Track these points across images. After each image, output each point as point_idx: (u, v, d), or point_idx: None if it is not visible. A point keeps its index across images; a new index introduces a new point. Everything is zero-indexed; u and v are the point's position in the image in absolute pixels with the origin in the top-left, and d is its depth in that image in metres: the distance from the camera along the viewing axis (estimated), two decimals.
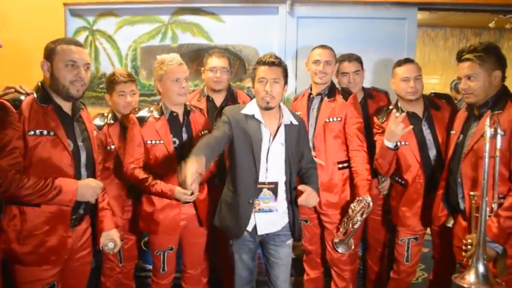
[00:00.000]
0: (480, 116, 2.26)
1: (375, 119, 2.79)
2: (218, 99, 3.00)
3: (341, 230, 2.68)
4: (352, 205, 2.59)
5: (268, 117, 2.35)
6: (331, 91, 2.80)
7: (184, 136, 2.54)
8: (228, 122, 2.31)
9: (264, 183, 2.31)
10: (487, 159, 1.99)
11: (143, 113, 2.51)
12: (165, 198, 2.48)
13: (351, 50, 3.02)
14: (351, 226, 2.58)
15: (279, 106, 2.39)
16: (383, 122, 2.71)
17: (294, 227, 2.42)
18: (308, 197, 2.29)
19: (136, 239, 2.96)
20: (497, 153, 2.05)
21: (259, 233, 2.37)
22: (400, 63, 2.67)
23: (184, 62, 2.51)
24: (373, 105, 3.01)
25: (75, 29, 3.48)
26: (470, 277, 1.94)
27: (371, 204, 2.54)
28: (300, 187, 2.31)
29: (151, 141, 2.47)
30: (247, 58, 3.44)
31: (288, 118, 2.37)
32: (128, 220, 2.83)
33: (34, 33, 3.33)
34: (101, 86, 3.48)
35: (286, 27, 3.38)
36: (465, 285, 1.93)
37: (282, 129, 2.35)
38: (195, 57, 3.45)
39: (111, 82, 2.72)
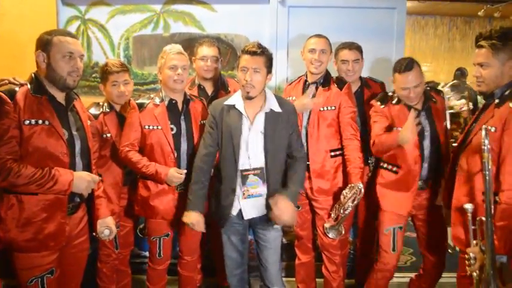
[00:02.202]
0: (487, 107, 2.23)
1: (375, 103, 2.78)
2: (209, 88, 3.06)
3: (332, 215, 2.74)
4: (344, 192, 2.66)
5: (251, 105, 2.39)
6: (326, 80, 2.83)
7: (183, 124, 2.59)
8: (213, 121, 2.40)
9: (248, 170, 2.37)
10: (487, 177, 1.95)
11: (143, 100, 2.61)
12: (159, 183, 2.55)
13: (341, 39, 3.06)
14: (342, 212, 2.64)
15: (265, 94, 2.41)
16: (383, 107, 2.72)
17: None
18: (281, 214, 2.26)
19: (133, 225, 3.01)
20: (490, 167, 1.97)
21: (245, 217, 2.43)
22: (400, 70, 2.57)
23: (185, 53, 2.59)
24: (369, 95, 3.05)
25: (67, 18, 3.47)
26: None
27: (362, 190, 2.61)
28: (271, 201, 2.27)
29: (148, 126, 2.53)
30: (239, 47, 3.44)
31: (269, 106, 2.39)
32: (124, 207, 2.87)
33: (26, 23, 3.34)
34: (93, 75, 3.49)
35: (278, 16, 3.41)
36: None
37: (260, 118, 2.38)
38: (187, 46, 3.36)
39: (104, 72, 2.74)
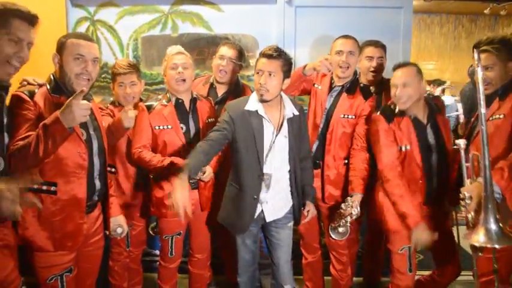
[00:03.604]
0: (491, 102, 2.30)
1: (380, 119, 2.55)
2: (221, 89, 3.06)
3: (332, 225, 2.71)
4: (342, 205, 2.60)
5: (270, 110, 2.38)
6: (353, 86, 2.76)
7: (191, 123, 2.64)
8: (229, 121, 2.33)
9: (267, 174, 2.39)
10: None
11: (151, 101, 2.65)
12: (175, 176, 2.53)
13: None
14: (342, 223, 2.62)
15: (281, 97, 2.42)
16: (390, 125, 2.52)
17: (296, 212, 2.51)
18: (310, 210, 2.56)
19: (145, 225, 3.05)
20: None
21: (267, 220, 2.45)
22: (394, 67, 2.53)
23: (185, 53, 2.65)
24: (387, 98, 2.89)
25: (77, 19, 3.50)
26: (488, 234, 1.86)
27: (353, 214, 2.54)
28: (307, 213, 2.54)
29: (159, 126, 2.57)
30: (246, 47, 3.46)
31: (291, 110, 2.41)
32: (138, 207, 2.90)
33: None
34: (102, 75, 3.51)
35: (285, 16, 3.42)
36: (488, 245, 1.86)
37: (286, 123, 2.40)
38: (195, 46, 3.48)
39: (113, 73, 2.78)
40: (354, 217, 2.57)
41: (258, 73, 2.32)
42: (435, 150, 2.52)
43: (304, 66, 2.70)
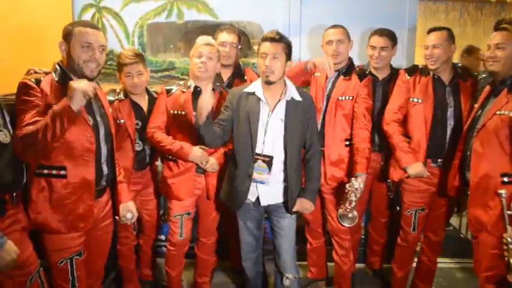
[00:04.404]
0: (498, 93, 2.31)
1: (402, 73, 2.86)
2: (225, 75, 3.09)
3: (340, 211, 2.71)
4: (346, 185, 2.63)
5: (270, 93, 2.43)
6: (348, 70, 2.85)
7: None
8: (228, 106, 2.47)
9: (259, 155, 2.42)
10: None
11: (171, 85, 2.77)
12: (183, 160, 2.64)
13: (353, 26, 3.03)
14: (347, 205, 2.63)
15: (284, 82, 2.46)
16: (409, 78, 2.81)
17: (287, 204, 2.51)
18: (305, 212, 2.62)
19: (157, 211, 3.09)
20: None
21: (262, 204, 2.48)
22: (428, 30, 2.75)
23: (213, 44, 2.69)
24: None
25: (82, 6, 3.48)
26: None
27: (359, 188, 2.59)
28: (297, 204, 2.50)
29: (174, 111, 2.65)
30: (252, 34, 3.48)
31: (290, 94, 2.44)
32: (139, 191, 2.92)
33: (42, 11, 3.41)
34: (108, 63, 3.49)
35: (290, 4, 3.42)
36: None
37: (282, 105, 2.43)
38: (201, 33, 3.33)
39: (119, 63, 2.79)
40: (358, 194, 2.60)
41: (262, 56, 2.38)
42: (451, 113, 2.70)
43: (306, 62, 2.82)
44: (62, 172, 2.02)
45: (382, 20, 3.30)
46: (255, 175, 2.44)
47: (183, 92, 2.69)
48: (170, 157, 2.71)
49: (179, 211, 2.73)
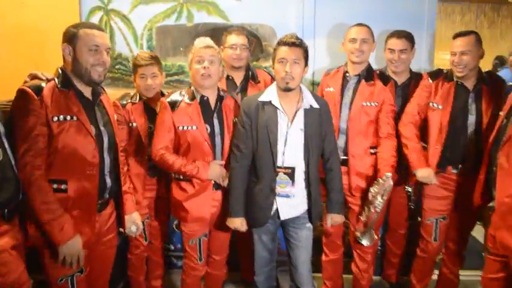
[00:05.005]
0: None
1: (425, 77, 2.78)
2: (238, 78, 2.98)
3: (362, 218, 2.65)
4: (371, 189, 2.57)
5: (287, 101, 2.33)
6: (369, 73, 2.75)
7: (216, 122, 2.46)
8: (246, 120, 2.34)
9: (280, 168, 2.31)
10: None
11: (174, 96, 2.44)
12: (198, 180, 2.43)
13: (371, 28, 2.90)
14: (373, 210, 2.54)
15: (300, 89, 2.36)
16: (431, 82, 2.73)
17: (311, 214, 2.42)
18: (332, 221, 2.52)
19: (167, 219, 3.01)
20: None
21: (281, 217, 2.38)
22: (454, 35, 2.69)
23: (214, 46, 2.44)
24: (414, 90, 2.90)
25: (90, 8, 3.42)
26: None
27: (391, 182, 2.51)
28: (327, 220, 2.51)
29: (183, 126, 2.40)
30: (264, 37, 3.37)
31: (308, 102, 2.34)
32: (153, 199, 2.85)
33: (48, 13, 3.32)
34: (116, 66, 3.44)
35: (304, 4, 3.30)
36: None
37: (300, 114, 2.33)
38: (211, 36, 3.21)
39: (134, 64, 2.74)
40: (385, 196, 2.53)
41: (281, 62, 2.27)
42: (472, 121, 2.63)
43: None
44: (63, 186, 1.90)
45: (399, 22, 3.17)
46: (278, 189, 2.34)
47: (189, 104, 2.43)
48: (182, 176, 2.47)
49: (197, 235, 2.53)
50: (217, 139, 2.47)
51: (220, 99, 2.49)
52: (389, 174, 2.54)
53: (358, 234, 2.69)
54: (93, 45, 1.92)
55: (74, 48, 1.92)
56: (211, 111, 2.46)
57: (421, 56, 3.27)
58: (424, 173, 2.65)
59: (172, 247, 3.41)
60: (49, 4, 3.36)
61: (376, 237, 2.69)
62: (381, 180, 2.53)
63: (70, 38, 1.93)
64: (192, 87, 2.47)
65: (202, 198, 2.46)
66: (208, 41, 2.45)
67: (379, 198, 2.53)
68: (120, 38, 3.45)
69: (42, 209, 1.82)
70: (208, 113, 2.45)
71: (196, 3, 3.39)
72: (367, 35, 2.71)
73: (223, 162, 2.46)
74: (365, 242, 2.67)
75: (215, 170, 2.41)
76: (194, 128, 2.40)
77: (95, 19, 3.42)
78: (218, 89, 2.52)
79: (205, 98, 2.44)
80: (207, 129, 2.43)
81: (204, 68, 2.36)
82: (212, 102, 2.47)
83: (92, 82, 1.96)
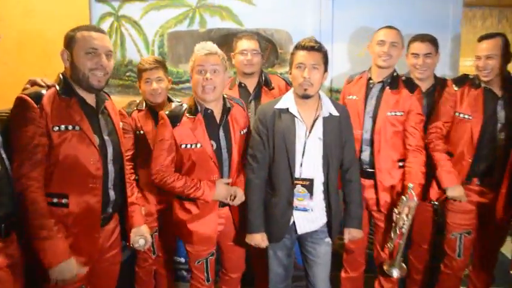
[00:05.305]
0: None
1: (449, 84, 2.63)
2: (251, 85, 2.86)
3: (388, 245, 2.49)
4: (395, 209, 2.42)
5: (305, 108, 2.20)
6: (394, 81, 2.58)
7: (222, 137, 2.25)
8: (262, 129, 2.22)
9: (298, 179, 2.18)
10: None
11: (175, 109, 2.22)
12: (203, 201, 2.24)
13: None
14: (398, 233, 2.39)
15: (319, 96, 2.23)
16: (456, 90, 2.58)
17: (331, 227, 2.29)
18: (350, 236, 2.37)
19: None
20: None
21: (298, 232, 2.25)
22: (479, 38, 2.55)
23: (217, 52, 2.19)
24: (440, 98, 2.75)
25: (100, 15, 3.38)
26: None
27: (415, 199, 2.35)
28: (345, 236, 2.35)
29: (186, 145, 2.19)
30: (280, 43, 3.26)
31: (327, 110, 2.20)
32: (163, 211, 2.72)
33: (58, 20, 3.27)
34: (127, 74, 3.38)
35: (321, 8, 3.17)
36: None
37: (319, 123, 2.19)
38: (224, 42, 3.26)
39: (138, 69, 2.65)
40: (411, 215, 2.37)
41: (299, 67, 2.14)
42: (504, 126, 2.49)
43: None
44: (64, 201, 1.78)
45: (422, 25, 3.03)
46: (296, 202, 2.20)
47: (191, 118, 2.20)
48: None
49: (203, 255, 2.36)
50: (224, 153, 2.27)
51: (226, 111, 2.27)
52: (412, 187, 2.37)
53: (386, 267, 2.54)
54: (90, 48, 1.79)
55: (71, 52, 1.81)
56: (217, 124, 2.25)
57: (444, 61, 3.11)
58: (455, 192, 2.53)
59: (181, 259, 3.28)
60: (58, 11, 3.32)
61: (405, 266, 2.54)
62: (404, 198, 2.38)
63: (68, 41, 1.82)
64: (195, 99, 2.24)
65: (208, 218, 2.29)
66: (209, 46, 2.20)
67: (404, 217, 2.38)
68: (130, 45, 3.40)
69: (35, 225, 1.70)
70: (214, 128, 2.24)
71: (210, 8, 3.30)
72: (396, 38, 2.54)
73: (230, 180, 2.29)
74: (395, 274, 2.51)
75: (222, 191, 2.23)
76: (198, 146, 2.19)
77: (105, 25, 3.38)
78: (224, 98, 2.30)
79: (210, 111, 2.23)
80: (212, 145, 2.23)
81: (207, 79, 2.14)
82: (217, 114, 2.26)
83: (91, 88, 1.84)
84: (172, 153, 2.21)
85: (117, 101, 2.72)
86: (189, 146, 2.19)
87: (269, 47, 3.26)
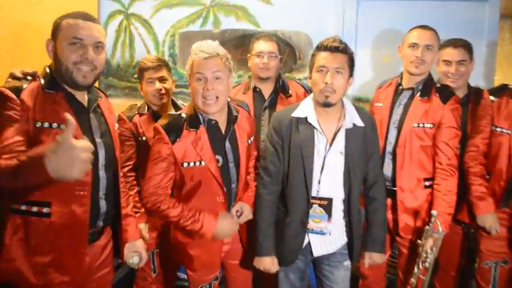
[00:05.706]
0: None
1: (486, 96, 2.42)
2: (266, 90, 2.65)
3: (413, 281, 2.21)
4: (418, 242, 2.16)
5: (326, 118, 1.96)
6: (427, 87, 2.31)
7: (229, 150, 2.00)
8: (277, 139, 2.00)
9: (314, 198, 1.95)
10: None
11: (172, 121, 1.93)
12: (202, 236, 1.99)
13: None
14: (421, 267, 2.13)
15: (342, 104, 1.99)
16: (493, 102, 2.38)
17: (352, 249, 2.06)
18: (371, 261, 2.14)
19: None
20: None
21: (314, 254, 2.02)
22: None
23: (219, 53, 1.89)
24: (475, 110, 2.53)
25: (109, 12, 3.27)
26: None
27: (441, 229, 2.07)
28: (366, 260, 2.13)
29: (188, 163, 1.92)
30: (298, 46, 3.08)
31: (351, 120, 1.96)
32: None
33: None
34: (135, 75, 3.21)
35: (344, 9, 3.01)
36: None
37: (341, 135, 1.96)
38: (240, 44, 3.13)
39: (140, 69, 2.50)
40: (436, 249, 2.10)
41: (320, 71, 1.90)
42: None
43: None
44: (45, 210, 1.55)
45: (454, 30, 2.78)
46: (311, 223, 1.97)
47: (194, 131, 1.91)
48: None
49: (206, 280, 2.11)
50: (232, 167, 2.01)
51: (232, 120, 2.01)
52: (437, 215, 2.11)
53: None
54: (73, 37, 1.57)
55: (55, 42, 1.60)
56: (222, 136, 1.99)
57: (478, 71, 2.89)
58: (485, 222, 2.35)
59: (185, 276, 3.06)
60: (65, 7, 3.13)
61: None
62: (428, 228, 2.12)
63: (53, 30, 1.62)
64: (195, 111, 1.95)
65: (211, 241, 2.02)
66: (209, 47, 1.88)
67: (428, 250, 2.11)
68: (140, 45, 3.29)
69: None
70: (219, 141, 1.98)
71: (224, 8, 3.17)
72: (431, 41, 2.29)
73: (236, 215, 2.05)
74: None
75: (225, 226, 1.96)
76: (202, 164, 1.92)
77: (114, 24, 3.29)
78: (229, 106, 2.03)
79: (214, 122, 1.97)
80: (218, 161, 1.96)
81: (208, 89, 1.85)
82: (222, 124, 2.00)
83: (76, 85, 1.62)
84: (171, 174, 1.93)
85: (125, 105, 2.60)
86: (192, 164, 1.92)
87: (287, 50, 3.09)
